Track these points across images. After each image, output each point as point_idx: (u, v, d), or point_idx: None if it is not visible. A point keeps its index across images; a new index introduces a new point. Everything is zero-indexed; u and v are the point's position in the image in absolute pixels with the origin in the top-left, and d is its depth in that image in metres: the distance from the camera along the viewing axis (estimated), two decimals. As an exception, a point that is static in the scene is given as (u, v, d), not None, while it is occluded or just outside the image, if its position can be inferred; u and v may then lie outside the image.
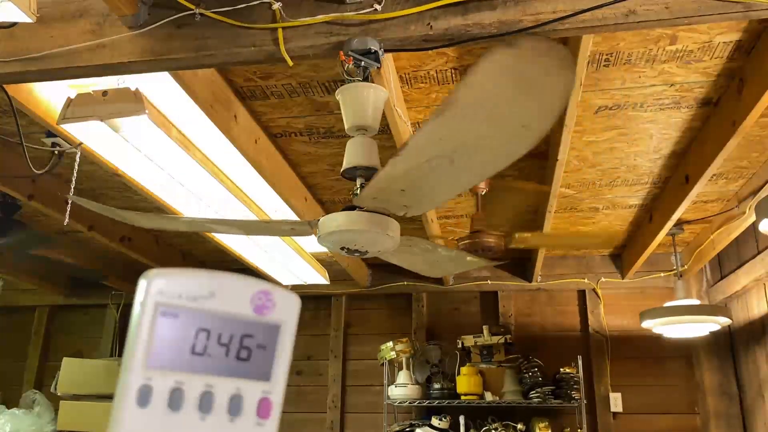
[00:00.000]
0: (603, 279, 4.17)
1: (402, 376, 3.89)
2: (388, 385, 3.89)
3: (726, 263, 3.74)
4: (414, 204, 1.44)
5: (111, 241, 3.55)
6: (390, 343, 3.91)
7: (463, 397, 3.76)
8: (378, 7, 1.52)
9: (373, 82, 1.58)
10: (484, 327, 3.91)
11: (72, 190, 2.39)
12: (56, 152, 2.32)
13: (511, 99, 1.04)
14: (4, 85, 1.87)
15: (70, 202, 2.53)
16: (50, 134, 2.22)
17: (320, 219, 1.54)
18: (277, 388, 0.44)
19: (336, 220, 1.50)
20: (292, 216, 2.94)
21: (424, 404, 3.92)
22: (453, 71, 2.10)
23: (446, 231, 3.69)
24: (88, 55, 1.65)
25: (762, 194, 2.77)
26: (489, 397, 3.75)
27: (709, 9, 1.40)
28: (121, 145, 2.08)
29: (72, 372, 4.00)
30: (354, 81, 1.53)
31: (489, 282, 4.28)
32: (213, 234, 3.08)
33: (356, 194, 1.55)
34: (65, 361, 4.04)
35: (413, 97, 2.25)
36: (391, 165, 1.22)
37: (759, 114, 1.98)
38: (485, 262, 2.22)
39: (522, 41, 0.97)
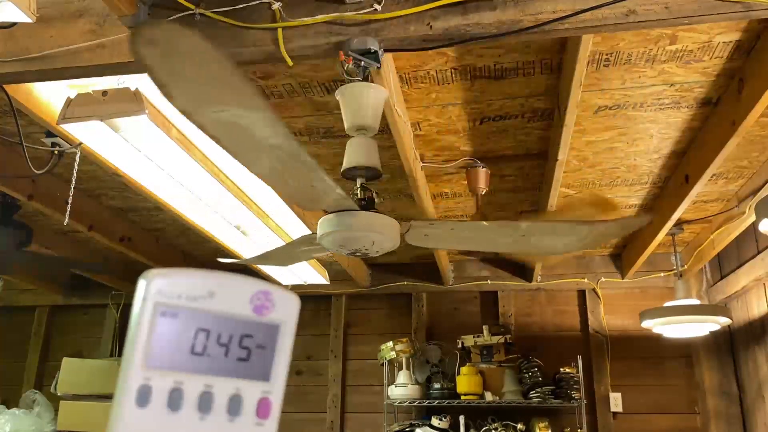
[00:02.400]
0: (603, 279, 4.17)
1: (402, 376, 3.90)
2: (388, 385, 3.89)
3: (726, 263, 3.74)
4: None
5: (111, 241, 3.55)
6: (390, 343, 3.91)
7: (463, 397, 3.76)
8: (378, 7, 1.52)
9: (373, 82, 1.58)
10: (484, 327, 3.91)
11: (72, 190, 2.39)
12: (56, 152, 2.32)
13: None
14: (4, 85, 1.87)
15: (70, 201, 2.53)
16: (50, 134, 2.22)
17: (320, 219, 1.54)
18: (276, 388, 0.44)
19: (336, 221, 1.50)
20: (293, 216, 2.94)
21: (424, 404, 3.92)
22: (453, 71, 2.10)
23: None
24: (88, 55, 1.65)
25: (762, 194, 2.77)
26: (489, 397, 3.75)
27: (709, 9, 1.40)
28: (121, 145, 2.08)
29: (72, 372, 4.00)
30: (354, 81, 1.54)
31: (489, 282, 4.28)
32: (213, 234, 3.08)
33: (356, 194, 1.55)
34: (65, 361, 4.04)
35: (413, 97, 2.25)
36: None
37: (759, 114, 1.98)
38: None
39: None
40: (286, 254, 2.07)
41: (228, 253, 3.37)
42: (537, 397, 3.67)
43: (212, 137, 1.12)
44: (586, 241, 1.64)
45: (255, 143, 1.14)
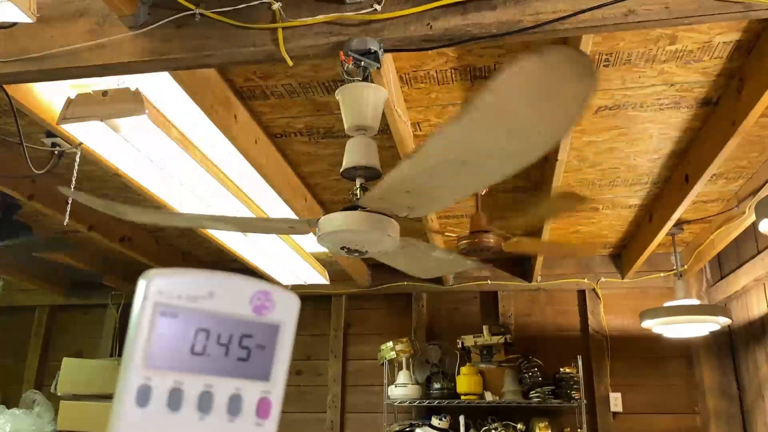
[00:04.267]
0: (603, 279, 4.17)
1: (402, 376, 3.90)
2: (388, 385, 3.89)
3: (726, 263, 3.74)
4: (418, 206, 1.44)
5: (111, 241, 3.55)
6: (390, 343, 3.91)
7: (463, 397, 3.76)
8: (378, 7, 1.52)
9: (372, 82, 1.58)
10: (484, 327, 3.91)
11: (72, 190, 2.38)
12: (56, 152, 2.32)
13: (532, 106, 1.04)
14: (4, 85, 1.87)
15: (70, 201, 2.53)
16: (50, 134, 2.22)
17: (320, 219, 1.54)
18: (276, 388, 0.45)
19: (336, 220, 1.50)
20: (293, 216, 2.94)
21: (424, 404, 3.92)
22: (453, 71, 2.10)
23: (446, 231, 3.68)
24: (88, 55, 1.65)
25: (762, 194, 2.77)
26: (489, 397, 3.75)
27: (709, 9, 1.40)
28: (121, 145, 2.08)
29: (72, 372, 4.00)
30: (354, 81, 1.53)
31: (489, 282, 4.28)
32: (213, 234, 3.07)
33: (355, 194, 1.55)
34: (65, 361, 4.04)
35: (413, 97, 2.25)
36: (402, 166, 1.21)
37: (759, 114, 1.98)
38: (477, 265, 2.25)
39: (550, 50, 0.98)
40: (263, 225, 2.09)
41: (228, 254, 3.37)
42: (537, 397, 3.67)
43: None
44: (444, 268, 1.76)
45: None
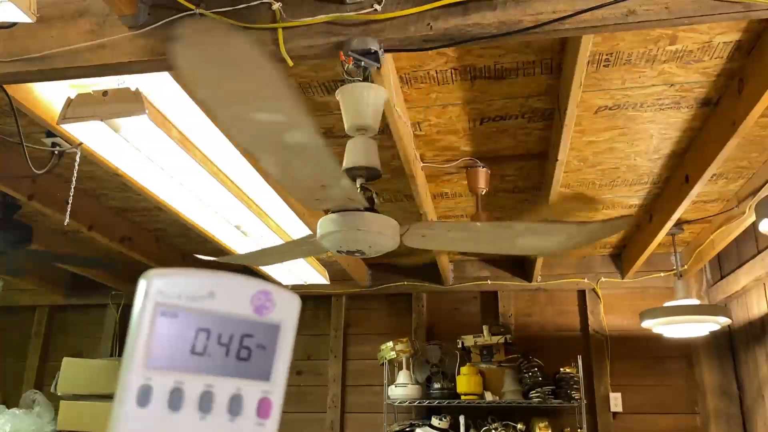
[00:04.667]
0: (603, 279, 4.17)
1: (402, 376, 3.89)
2: (388, 385, 3.89)
3: (726, 263, 3.74)
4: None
5: (111, 241, 3.55)
6: (390, 343, 3.91)
7: (463, 397, 3.76)
8: (378, 7, 1.52)
9: (373, 82, 1.58)
10: (484, 327, 3.91)
11: (72, 190, 2.39)
12: (56, 152, 2.32)
13: None
14: (4, 85, 1.87)
15: (70, 201, 2.53)
16: (50, 134, 2.22)
17: (321, 219, 1.54)
18: (277, 387, 0.45)
19: (336, 221, 1.50)
20: (293, 216, 2.94)
21: (424, 404, 3.92)
22: (453, 71, 2.10)
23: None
24: (88, 55, 1.65)
25: (762, 194, 2.77)
26: (489, 397, 3.75)
27: (709, 9, 1.40)
28: (121, 145, 2.08)
29: (72, 372, 4.00)
30: (354, 81, 1.54)
31: (489, 282, 4.28)
32: (213, 234, 3.08)
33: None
34: (65, 361, 4.04)
35: (413, 97, 2.25)
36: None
37: (759, 114, 1.98)
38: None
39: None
40: (282, 253, 2.09)
41: (228, 254, 3.37)
42: (537, 397, 3.67)
43: (229, 135, 1.13)
44: (575, 240, 1.71)
45: (274, 138, 1.14)
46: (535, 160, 2.76)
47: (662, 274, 4.07)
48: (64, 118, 1.90)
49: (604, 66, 2.05)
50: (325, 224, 1.52)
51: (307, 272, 3.72)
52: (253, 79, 0.98)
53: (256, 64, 0.93)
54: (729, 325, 3.63)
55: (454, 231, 1.78)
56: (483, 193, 2.82)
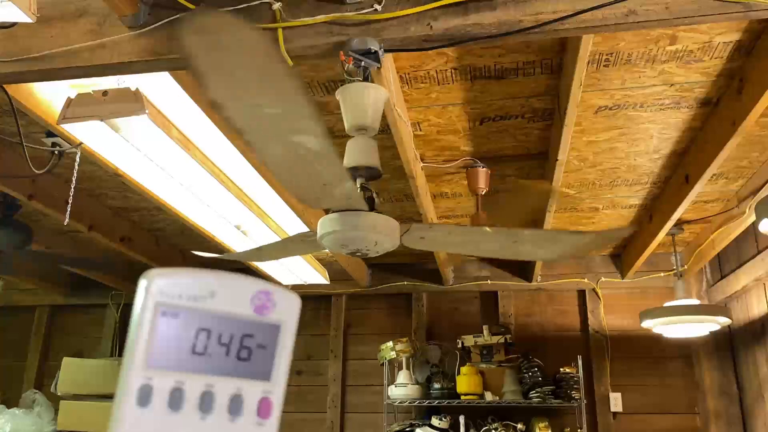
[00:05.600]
0: (603, 279, 4.17)
1: (402, 376, 3.89)
2: (388, 385, 3.89)
3: (726, 263, 3.74)
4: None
5: (111, 241, 3.55)
6: (390, 343, 3.91)
7: (463, 397, 3.75)
8: (378, 7, 1.52)
9: (373, 82, 1.58)
10: (484, 327, 3.91)
11: (72, 190, 2.39)
12: (56, 152, 2.32)
13: None
14: (4, 85, 1.87)
15: (70, 201, 2.53)
16: (50, 134, 2.22)
17: (321, 219, 1.54)
18: (277, 387, 0.45)
19: (336, 220, 1.50)
20: (293, 216, 2.94)
21: (424, 404, 3.91)
22: (453, 71, 2.10)
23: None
24: (88, 55, 1.65)
25: (762, 194, 2.77)
26: (489, 397, 3.75)
27: (709, 9, 1.40)
28: (121, 145, 2.08)
29: (72, 372, 4.00)
30: (354, 81, 1.53)
31: (489, 282, 4.28)
32: (213, 234, 3.07)
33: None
34: (65, 361, 4.04)
35: (413, 97, 2.25)
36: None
37: (759, 114, 1.99)
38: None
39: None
40: (279, 250, 2.09)
41: (228, 253, 3.37)
42: (537, 397, 3.67)
43: (238, 129, 1.12)
44: (571, 250, 1.73)
45: (279, 133, 1.14)
46: (535, 160, 2.76)
47: (662, 274, 4.07)
48: (64, 118, 1.90)
49: (604, 66, 2.05)
50: (326, 224, 1.51)
51: (307, 272, 3.72)
52: (263, 72, 0.98)
53: (267, 57, 0.93)
54: (729, 326, 3.63)
55: (454, 234, 1.78)
56: (483, 193, 2.82)
